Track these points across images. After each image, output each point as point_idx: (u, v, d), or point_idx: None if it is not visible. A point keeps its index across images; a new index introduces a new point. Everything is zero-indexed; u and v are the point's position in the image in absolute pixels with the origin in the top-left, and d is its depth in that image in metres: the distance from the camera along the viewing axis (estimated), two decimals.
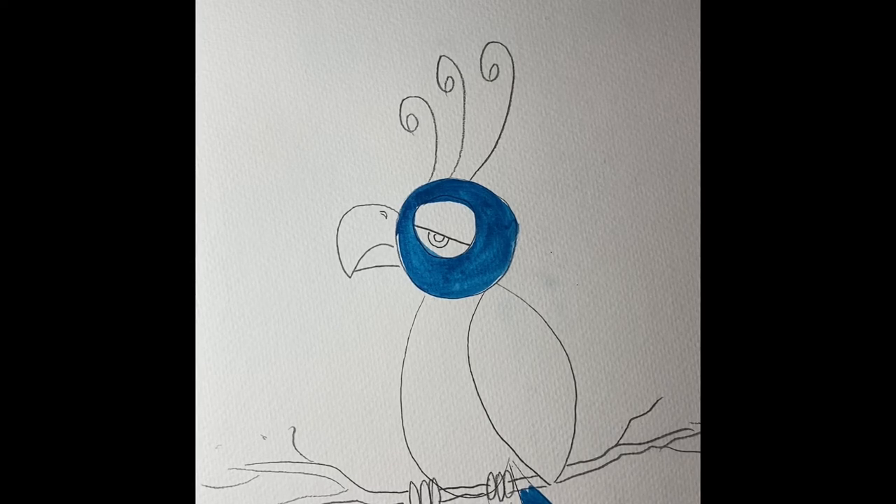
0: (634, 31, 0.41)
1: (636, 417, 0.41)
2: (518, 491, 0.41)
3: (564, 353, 0.41)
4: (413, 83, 0.41)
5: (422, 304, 0.41)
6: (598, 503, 0.41)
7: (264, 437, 0.41)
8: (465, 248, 0.41)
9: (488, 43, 0.41)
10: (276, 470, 0.41)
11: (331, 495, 0.41)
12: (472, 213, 0.41)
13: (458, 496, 0.41)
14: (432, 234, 0.41)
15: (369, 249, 0.41)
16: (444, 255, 0.41)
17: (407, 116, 0.41)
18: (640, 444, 0.41)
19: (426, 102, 0.41)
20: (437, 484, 0.41)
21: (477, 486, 0.41)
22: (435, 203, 0.41)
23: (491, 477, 0.41)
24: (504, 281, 0.41)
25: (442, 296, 0.41)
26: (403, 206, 0.41)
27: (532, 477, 0.41)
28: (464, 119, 0.41)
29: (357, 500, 0.41)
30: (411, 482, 0.41)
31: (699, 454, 0.41)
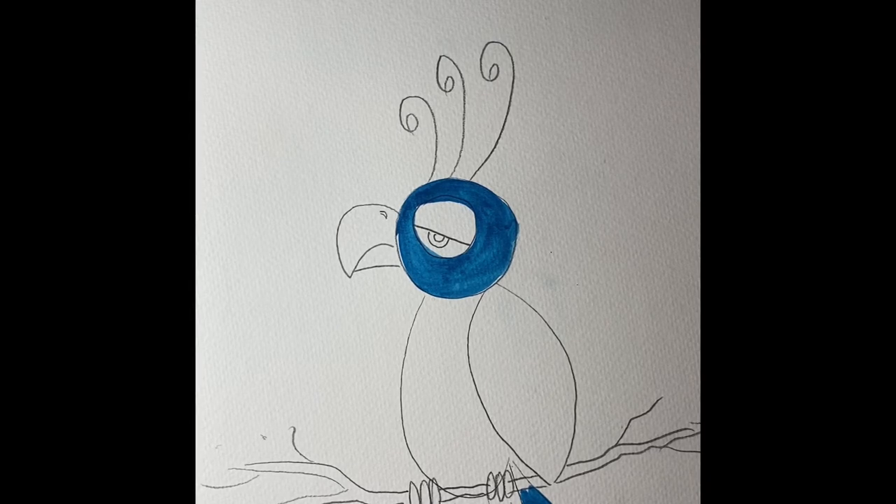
0: (634, 31, 0.41)
1: (636, 417, 0.41)
2: (518, 491, 0.41)
3: (564, 353, 0.41)
4: (413, 83, 0.41)
5: (422, 304, 0.41)
6: (598, 503, 0.41)
7: (264, 437, 0.41)
8: (465, 248, 0.41)
9: (488, 43, 0.41)
10: (276, 470, 0.41)
11: (331, 495, 0.41)
12: (472, 213, 0.41)
13: (458, 496, 0.41)
14: (432, 234, 0.41)
15: (369, 249, 0.41)
16: (444, 255, 0.41)
17: (407, 116, 0.41)
18: (640, 444, 0.41)
19: (426, 102, 0.41)
20: (437, 484, 0.41)
21: (477, 486, 0.41)
22: (435, 203, 0.41)
23: (491, 477, 0.41)
24: (504, 281, 0.41)
25: (442, 296, 0.41)
26: (403, 206, 0.41)
27: (532, 477, 0.41)
28: (464, 119, 0.41)
29: (357, 500, 0.41)
30: (411, 482, 0.41)
31: (699, 454, 0.41)
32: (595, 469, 0.41)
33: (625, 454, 0.41)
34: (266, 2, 0.41)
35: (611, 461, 0.41)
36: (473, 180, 0.41)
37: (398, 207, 0.41)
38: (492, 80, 0.41)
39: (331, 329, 0.41)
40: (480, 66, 0.41)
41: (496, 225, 0.41)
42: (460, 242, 0.41)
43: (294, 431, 0.41)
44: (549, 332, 0.41)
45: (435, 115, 0.41)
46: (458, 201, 0.41)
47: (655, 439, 0.41)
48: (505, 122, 0.41)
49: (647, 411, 0.41)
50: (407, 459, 0.41)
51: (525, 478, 0.41)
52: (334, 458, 0.41)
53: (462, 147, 0.41)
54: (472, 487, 0.41)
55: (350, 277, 0.41)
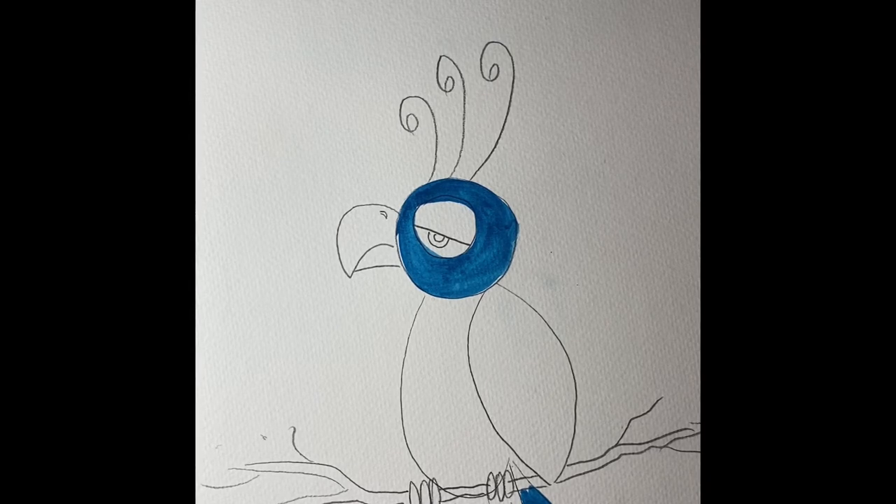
0: (634, 31, 0.41)
1: (636, 417, 0.41)
2: (518, 491, 0.41)
3: (564, 353, 0.41)
4: (413, 83, 0.41)
5: (422, 304, 0.41)
6: (598, 503, 0.41)
7: (264, 437, 0.41)
8: (465, 248, 0.41)
9: (488, 43, 0.41)
10: (276, 470, 0.41)
11: (331, 495, 0.41)
12: (472, 213, 0.41)
13: (458, 496, 0.41)
14: (432, 234, 0.41)
15: (369, 249, 0.41)
16: (444, 255, 0.41)
17: (407, 116, 0.41)
18: (640, 444, 0.41)
19: (426, 102, 0.41)
20: (437, 484, 0.41)
21: (477, 486, 0.41)
22: (435, 203, 0.41)
23: (491, 477, 0.41)
24: (504, 281, 0.41)
25: (442, 296, 0.41)
26: (403, 206, 0.41)
27: (532, 477, 0.41)
28: (464, 119, 0.41)
29: (357, 500, 0.41)
30: (411, 482, 0.41)
31: (699, 454, 0.41)
32: (595, 469, 0.41)
33: (625, 454, 0.41)
34: (266, 2, 0.41)
35: (611, 461, 0.41)
36: (473, 180, 0.41)
37: (398, 207, 0.41)
38: (492, 80, 0.41)
39: (331, 329, 0.41)
40: (480, 66, 0.41)
41: (496, 225, 0.41)
42: (460, 242, 0.41)
43: (294, 431, 0.41)
44: (549, 332, 0.41)
45: (435, 115, 0.41)
46: (458, 201, 0.41)
47: (655, 439, 0.41)
48: (505, 122, 0.41)
49: (647, 411, 0.41)
50: (407, 459, 0.41)
51: (525, 478, 0.41)
52: (334, 458, 0.41)
53: (462, 147, 0.41)
54: (472, 487, 0.41)
55: (350, 277, 0.41)
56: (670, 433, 0.41)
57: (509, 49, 0.41)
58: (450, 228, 0.41)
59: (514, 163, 0.41)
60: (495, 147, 0.41)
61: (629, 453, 0.41)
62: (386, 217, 0.41)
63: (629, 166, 0.41)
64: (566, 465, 0.41)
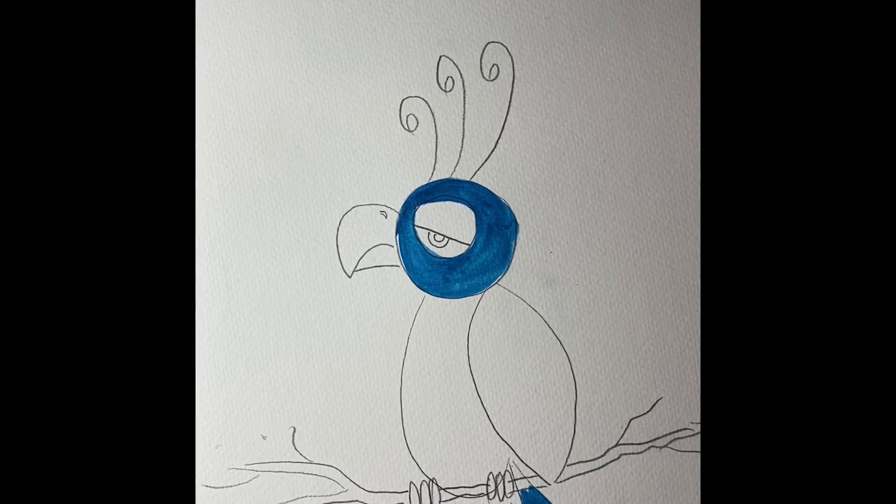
0: (634, 31, 0.41)
1: (636, 417, 0.41)
2: (518, 491, 0.41)
3: (564, 353, 0.41)
4: (413, 83, 0.41)
5: (422, 304, 0.41)
6: (598, 503, 0.41)
7: (264, 437, 0.41)
8: (465, 248, 0.41)
9: (488, 43, 0.41)
10: (276, 470, 0.41)
11: (331, 495, 0.41)
12: (472, 213, 0.41)
13: (458, 496, 0.41)
14: (432, 234, 0.41)
15: (369, 249, 0.41)
16: (444, 255, 0.41)
17: (407, 116, 0.41)
18: (640, 444, 0.41)
19: (426, 102, 0.41)
20: (437, 484, 0.41)
21: (477, 486, 0.41)
22: (435, 203, 0.41)
23: (491, 477, 0.41)
24: (504, 281, 0.41)
25: (442, 296, 0.41)
26: (403, 206, 0.41)
27: (532, 477, 0.41)
28: (464, 119, 0.41)
29: (357, 500, 0.41)
30: (411, 482, 0.41)
31: (699, 454, 0.41)
32: (595, 469, 0.41)
33: (625, 454, 0.41)
34: (266, 2, 0.41)
35: (611, 461, 0.41)
36: (473, 180, 0.41)
37: (398, 207, 0.41)
38: (492, 80, 0.41)
39: (331, 329, 0.41)
40: (480, 66, 0.41)
41: (496, 225, 0.41)
42: (460, 242, 0.41)
43: (294, 431, 0.41)
44: (549, 332, 0.41)
45: (435, 115, 0.41)
46: (458, 201, 0.41)
47: (655, 439, 0.41)
48: (505, 122, 0.41)
49: (647, 411, 0.41)
50: (407, 459, 0.41)
51: (525, 478, 0.41)
52: (334, 458, 0.41)
53: (462, 147, 0.41)
54: (472, 487, 0.41)
55: (350, 277, 0.41)
56: (670, 433, 0.41)
57: (509, 49, 0.41)
58: (450, 228, 0.41)
59: (514, 163, 0.41)
60: (495, 147, 0.41)
61: (629, 453, 0.41)
62: (386, 217, 0.41)
63: (629, 166, 0.41)
64: (566, 465, 0.41)
